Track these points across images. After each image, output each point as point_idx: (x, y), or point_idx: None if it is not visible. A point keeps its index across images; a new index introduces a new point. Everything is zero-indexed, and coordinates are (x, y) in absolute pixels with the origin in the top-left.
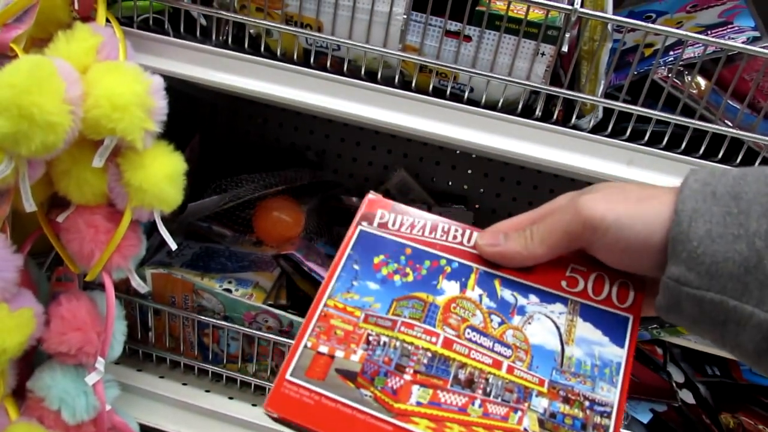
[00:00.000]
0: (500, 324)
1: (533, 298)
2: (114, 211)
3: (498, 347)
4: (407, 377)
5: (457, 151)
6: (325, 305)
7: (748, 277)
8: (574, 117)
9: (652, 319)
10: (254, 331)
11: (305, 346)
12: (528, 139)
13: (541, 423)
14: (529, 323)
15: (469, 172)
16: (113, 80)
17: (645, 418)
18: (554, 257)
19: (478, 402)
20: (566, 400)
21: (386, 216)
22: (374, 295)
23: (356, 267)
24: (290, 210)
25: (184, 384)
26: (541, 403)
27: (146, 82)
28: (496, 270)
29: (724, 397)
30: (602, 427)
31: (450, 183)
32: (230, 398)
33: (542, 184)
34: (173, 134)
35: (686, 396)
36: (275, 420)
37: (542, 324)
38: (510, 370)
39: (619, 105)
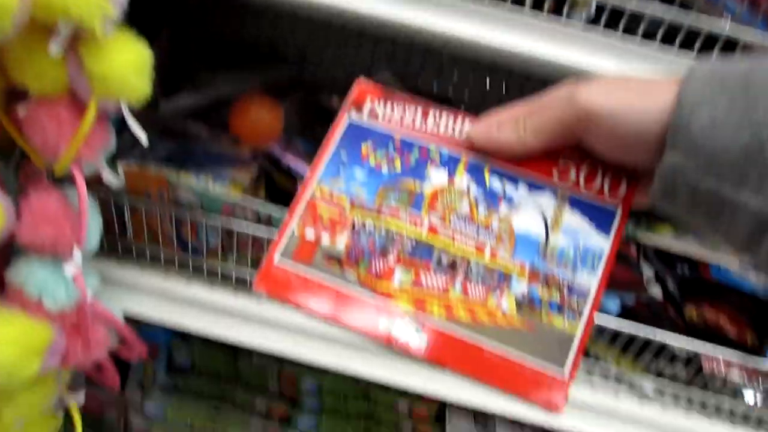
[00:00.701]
0: (486, 212)
1: (522, 187)
2: (78, 102)
3: (482, 234)
4: (391, 259)
5: (443, 53)
6: (313, 193)
7: (748, 166)
8: (565, 10)
9: (629, 216)
10: (233, 222)
11: (292, 233)
12: (518, 30)
13: (519, 304)
14: (516, 212)
15: (456, 75)
16: None
17: (614, 308)
18: (548, 148)
19: (458, 283)
20: (545, 284)
21: (376, 104)
22: (361, 183)
23: (343, 155)
24: (269, 108)
25: (165, 276)
26: (520, 287)
27: None
28: (486, 159)
29: (690, 293)
30: (578, 309)
31: (435, 87)
32: (212, 288)
33: (530, 89)
34: (140, 29)
35: (655, 291)
36: (268, 296)
37: (529, 213)
38: (493, 255)
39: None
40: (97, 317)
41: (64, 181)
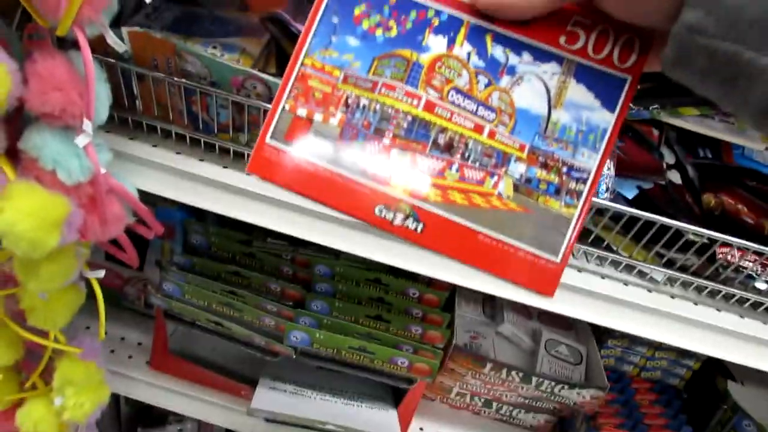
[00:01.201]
0: (487, 85)
1: (526, 56)
2: None
3: (481, 110)
4: (386, 141)
5: None
6: (302, 64)
7: None
8: None
9: (653, 98)
10: (243, 98)
11: (283, 109)
12: None
13: (516, 187)
14: (518, 84)
15: None
16: None
17: (630, 193)
18: (556, 8)
19: (455, 166)
20: (544, 166)
21: None
22: (354, 52)
23: (335, 19)
24: None
25: (178, 153)
26: (518, 168)
27: None
28: (490, 23)
29: (710, 179)
30: (576, 192)
31: None
32: (224, 167)
33: None
34: None
35: (674, 176)
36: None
37: (532, 86)
38: (491, 134)
39: None
40: (112, 192)
41: (69, 46)
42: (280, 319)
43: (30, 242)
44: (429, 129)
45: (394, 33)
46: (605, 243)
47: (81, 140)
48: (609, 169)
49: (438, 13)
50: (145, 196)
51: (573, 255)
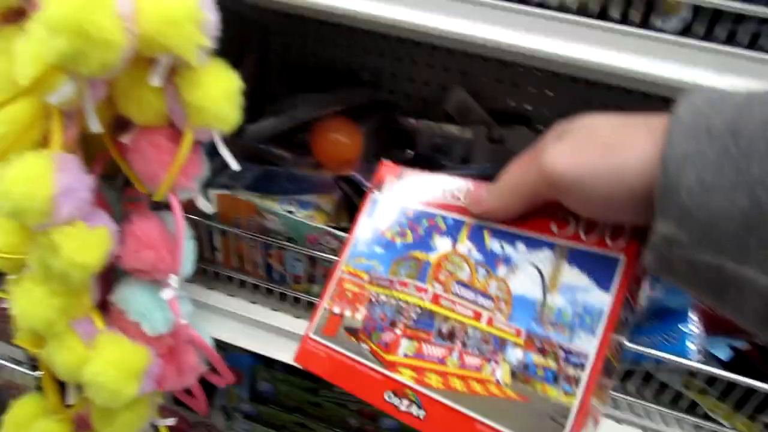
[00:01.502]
0: (485, 276)
1: (521, 246)
2: (175, 131)
3: (480, 299)
4: (398, 331)
5: (521, 68)
6: (342, 271)
7: (749, 236)
8: (657, 19)
9: None
10: (317, 253)
11: (324, 308)
12: (602, 44)
13: (514, 374)
14: (514, 273)
15: (533, 90)
16: None
17: (724, 354)
18: (532, 208)
19: (456, 353)
20: (541, 351)
21: (394, 182)
22: (378, 258)
23: (366, 233)
24: (348, 131)
25: (253, 302)
26: (515, 354)
27: None
28: (487, 222)
29: None
30: (574, 379)
31: (512, 102)
32: (297, 317)
33: (612, 101)
34: (226, 57)
35: None
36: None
37: (527, 273)
38: (489, 321)
39: (711, 1)
40: (190, 342)
41: (162, 207)
42: None
43: (111, 392)
44: (434, 319)
45: (409, 239)
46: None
47: (167, 294)
48: (695, 327)
49: (444, 218)
50: (217, 342)
51: (665, 423)
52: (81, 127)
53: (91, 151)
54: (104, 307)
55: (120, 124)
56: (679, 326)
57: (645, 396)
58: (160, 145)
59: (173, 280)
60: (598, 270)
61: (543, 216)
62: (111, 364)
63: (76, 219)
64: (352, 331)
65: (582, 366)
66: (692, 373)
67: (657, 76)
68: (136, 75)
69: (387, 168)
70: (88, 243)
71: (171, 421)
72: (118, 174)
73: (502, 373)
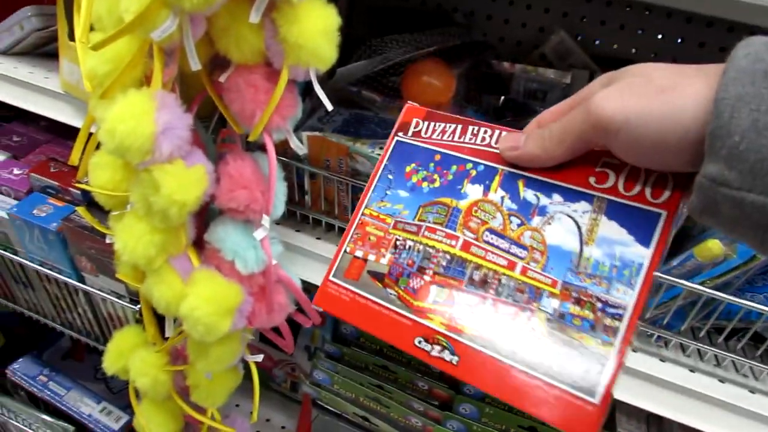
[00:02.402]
0: (519, 225)
1: (557, 197)
2: (272, 70)
3: (514, 248)
4: (427, 278)
5: (628, 8)
6: (363, 214)
7: None
8: None
9: None
10: None
11: (345, 251)
12: None
13: (550, 322)
14: (549, 223)
15: (640, 32)
16: None
17: None
18: (575, 156)
19: (489, 302)
20: (577, 302)
21: (420, 124)
22: (403, 202)
23: (390, 176)
24: (440, 74)
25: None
26: (551, 304)
27: None
28: (521, 170)
29: None
30: (612, 329)
31: (617, 46)
32: None
33: (731, 44)
34: None
35: None
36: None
37: (563, 224)
38: (523, 271)
39: None
40: (280, 282)
41: (255, 147)
42: (427, 421)
43: (206, 326)
44: (465, 266)
45: (437, 184)
46: None
47: (259, 234)
48: None
49: (475, 165)
50: (304, 283)
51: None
52: (180, 65)
53: (187, 90)
54: (200, 245)
55: (216, 63)
56: None
57: (751, 356)
58: (257, 83)
59: (265, 220)
60: (638, 224)
61: (581, 168)
62: (206, 300)
63: (175, 157)
64: (377, 276)
65: (620, 317)
66: None
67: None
68: (235, 11)
69: (412, 110)
70: (186, 181)
71: (259, 358)
72: (213, 113)
73: (537, 322)
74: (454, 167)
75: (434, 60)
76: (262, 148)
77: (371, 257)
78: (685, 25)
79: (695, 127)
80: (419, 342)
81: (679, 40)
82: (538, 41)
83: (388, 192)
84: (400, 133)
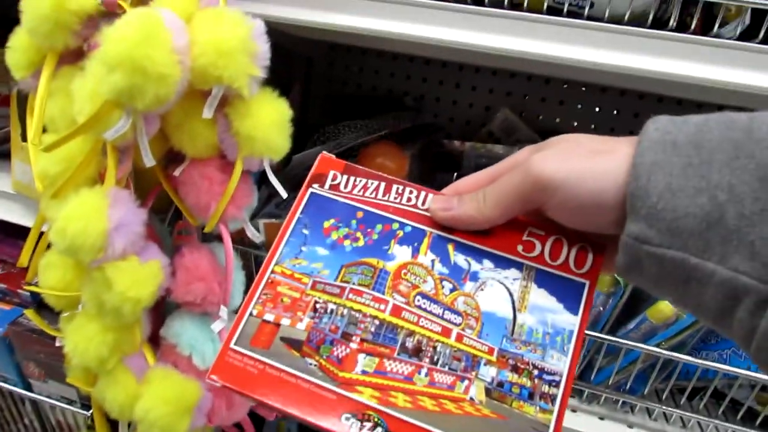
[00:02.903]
0: (452, 290)
1: (487, 263)
2: (226, 162)
3: (448, 314)
4: (353, 345)
5: (565, 85)
6: (272, 272)
7: (710, 233)
8: (716, 26)
9: None
10: None
11: (250, 314)
12: (661, 53)
13: (488, 392)
14: (482, 290)
15: (579, 106)
16: (217, 27)
17: None
18: (509, 219)
19: (424, 371)
20: (515, 369)
21: (338, 177)
22: (323, 261)
23: (305, 231)
24: (393, 155)
25: None
26: (489, 372)
27: (248, 27)
28: (451, 234)
29: None
30: (550, 396)
31: (558, 120)
32: None
33: (660, 111)
34: (272, 88)
35: None
36: (222, 387)
37: (495, 290)
38: (459, 338)
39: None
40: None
41: (210, 239)
42: None
43: (162, 429)
44: (397, 333)
45: (361, 243)
46: None
47: (217, 326)
48: None
49: (402, 225)
50: None
51: None
52: (134, 161)
53: (142, 185)
54: (155, 341)
55: (171, 157)
56: None
57: (715, 414)
58: (211, 176)
59: (223, 311)
60: (565, 293)
61: (509, 235)
62: (163, 400)
63: (129, 253)
64: (292, 344)
65: (557, 384)
66: (765, 387)
67: (716, 81)
68: (189, 108)
69: (327, 161)
70: (140, 277)
71: None
72: (169, 206)
73: (476, 391)
74: (380, 226)
75: (387, 143)
76: (219, 238)
77: (285, 321)
78: (619, 98)
79: (623, 188)
80: (347, 419)
81: (615, 112)
82: (485, 119)
83: (303, 248)
84: (315, 185)
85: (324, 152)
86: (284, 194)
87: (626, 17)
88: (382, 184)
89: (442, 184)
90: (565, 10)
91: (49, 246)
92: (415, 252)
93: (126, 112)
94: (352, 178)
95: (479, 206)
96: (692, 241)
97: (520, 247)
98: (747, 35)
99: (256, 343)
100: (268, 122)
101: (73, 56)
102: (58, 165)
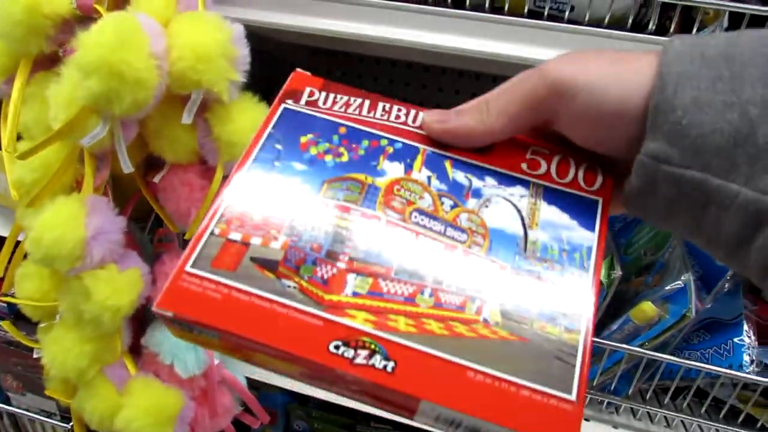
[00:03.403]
0: (453, 207)
1: (490, 180)
2: (206, 168)
3: (451, 231)
4: (341, 265)
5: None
6: (238, 187)
7: (737, 151)
8: (694, 29)
9: None
10: None
11: (211, 233)
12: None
13: (505, 312)
14: (486, 206)
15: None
16: (195, 31)
17: None
18: (514, 133)
19: (428, 291)
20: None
21: (316, 94)
22: (300, 176)
23: (279, 146)
24: None
25: None
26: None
27: (228, 31)
28: (447, 151)
29: None
30: (575, 316)
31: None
32: None
33: None
34: (253, 93)
35: None
36: (172, 322)
37: (501, 207)
38: (466, 255)
39: (750, 8)
40: (223, 383)
41: None
42: None
43: None
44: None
45: (345, 159)
46: (759, 424)
47: None
48: (749, 338)
49: (392, 141)
50: (251, 381)
51: None
52: (112, 168)
53: (122, 192)
54: (136, 350)
55: (150, 163)
56: (733, 339)
57: (698, 413)
58: (192, 182)
59: None
60: (578, 211)
61: (512, 154)
62: (144, 410)
63: (107, 262)
64: (265, 264)
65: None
66: (747, 386)
67: None
68: (168, 113)
69: (302, 77)
70: (120, 286)
71: None
72: (150, 214)
73: (490, 312)
74: (366, 142)
75: None
76: None
77: (255, 240)
78: None
79: (647, 99)
80: (336, 348)
81: None
82: None
83: (276, 164)
84: (289, 101)
85: (298, 69)
86: None
87: (606, 20)
88: (367, 101)
89: None
90: (546, 13)
91: (26, 256)
92: (408, 168)
93: (103, 117)
94: (332, 95)
95: (482, 116)
96: (717, 161)
97: (524, 165)
98: None
99: (219, 264)
100: (249, 127)
101: (49, 62)
102: (33, 173)
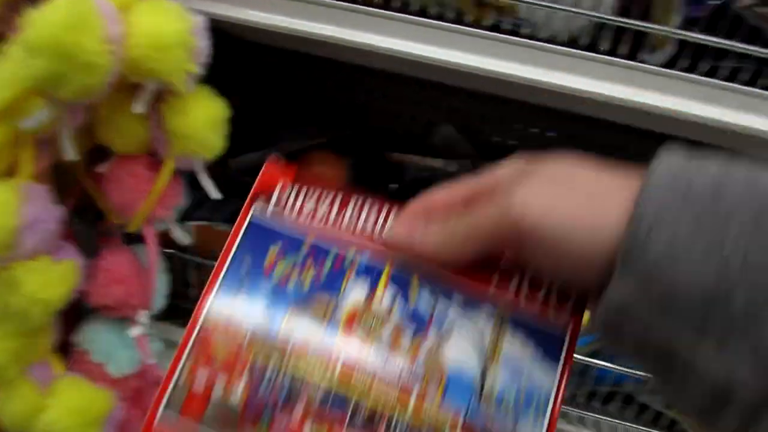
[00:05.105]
0: (413, 338)
1: (456, 303)
2: (156, 160)
3: (406, 375)
4: (297, 414)
5: (505, 104)
6: (205, 321)
7: (710, 313)
8: (644, 51)
9: None
10: None
11: (178, 378)
12: (592, 75)
13: None
14: (448, 336)
15: (518, 125)
16: (155, 19)
17: None
18: (481, 256)
19: None
20: None
21: (286, 190)
22: (265, 305)
23: (244, 270)
24: (331, 164)
25: None
26: None
27: (188, 21)
28: (414, 266)
29: None
30: None
31: (497, 138)
32: None
33: (597, 139)
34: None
35: None
36: None
37: (463, 338)
38: (418, 406)
39: (697, 36)
40: (158, 384)
41: (136, 240)
42: None
43: None
44: (347, 398)
45: (309, 280)
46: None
47: (135, 331)
48: None
49: (358, 255)
50: None
51: None
52: (55, 155)
53: (65, 181)
54: (66, 349)
55: (98, 153)
56: None
57: (626, 417)
58: (139, 173)
59: (143, 316)
60: (543, 343)
61: (482, 270)
62: (68, 412)
63: (40, 252)
64: (228, 413)
65: None
66: None
67: (643, 104)
68: (119, 101)
69: (274, 171)
70: (51, 278)
71: None
72: (92, 206)
73: None
74: (330, 260)
75: (326, 151)
76: (143, 239)
77: (218, 387)
78: (557, 120)
79: (617, 244)
80: None
81: (554, 133)
82: (427, 134)
83: (242, 289)
84: (257, 207)
85: (271, 157)
86: (215, 194)
87: (565, 40)
88: (337, 200)
89: (382, 195)
90: (505, 28)
91: None
92: (374, 286)
93: (48, 101)
94: (302, 192)
95: (445, 241)
96: (686, 318)
97: (494, 282)
98: (673, 63)
99: (187, 413)
100: (204, 121)
101: None
102: None
